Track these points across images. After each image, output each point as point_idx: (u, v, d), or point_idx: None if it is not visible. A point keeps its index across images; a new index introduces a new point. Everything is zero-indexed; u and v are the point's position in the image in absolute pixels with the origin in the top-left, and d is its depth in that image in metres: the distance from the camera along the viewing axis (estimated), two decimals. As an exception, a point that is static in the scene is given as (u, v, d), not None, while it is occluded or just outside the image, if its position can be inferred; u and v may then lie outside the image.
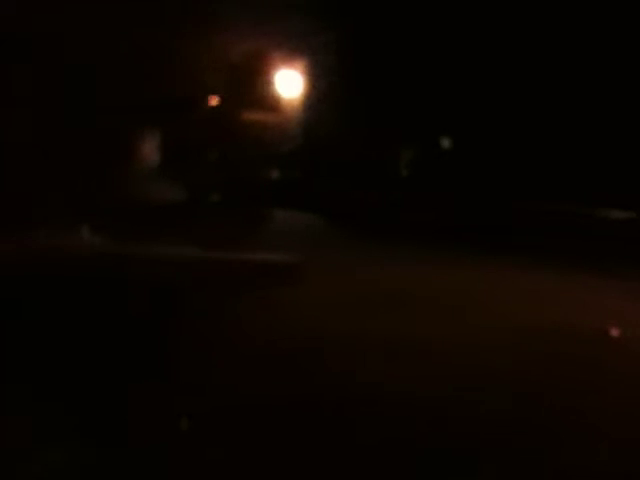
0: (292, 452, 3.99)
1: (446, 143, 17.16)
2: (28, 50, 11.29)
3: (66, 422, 4.09)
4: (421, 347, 6.32)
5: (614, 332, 7.12)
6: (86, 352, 5.42)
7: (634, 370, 6.02)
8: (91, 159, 12.13)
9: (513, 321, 7.36)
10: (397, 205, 16.38)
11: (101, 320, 6.21)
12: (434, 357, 6.05)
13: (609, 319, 7.68)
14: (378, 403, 4.91)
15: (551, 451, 4.39)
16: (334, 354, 5.98)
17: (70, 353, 5.39)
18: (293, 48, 16.00)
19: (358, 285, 9.00)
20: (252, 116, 15.77)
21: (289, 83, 16.55)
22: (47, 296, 6.83)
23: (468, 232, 14.08)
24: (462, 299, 8.40)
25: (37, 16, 11.24)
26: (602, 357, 6.35)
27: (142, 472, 3.68)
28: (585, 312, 7.97)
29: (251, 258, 9.40)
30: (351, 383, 5.20)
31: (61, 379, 4.85)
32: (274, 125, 16.41)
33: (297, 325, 6.73)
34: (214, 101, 14.81)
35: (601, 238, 13.12)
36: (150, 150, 14.47)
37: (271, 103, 15.83)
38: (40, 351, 5.37)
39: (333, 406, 4.76)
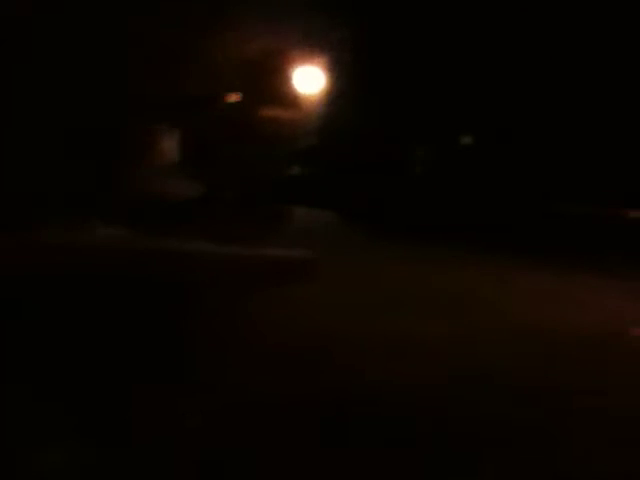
0: (301, 449, 4.04)
1: (461, 141, 17.16)
2: (51, 47, 11.41)
3: (76, 421, 4.17)
4: (428, 346, 6.38)
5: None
6: (101, 347, 5.49)
7: (635, 369, 6.04)
8: (109, 156, 12.24)
9: (515, 321, 7.40)
10: (411, 204, 16.41)
11: (117, 315, 6.28)
12: (440, 356, 6.10)
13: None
14: (385, 401, 4.96)
15: (551, 450, 4.43)
16: (344, 352, 6.03)
17: (85, 349, 5.45)
18: (311, 46, 16.04)
19: (370, 283, 9.06)
20: (269, 113, 15.83)
21: (306, 80, 16.59)
22: (62, 292, 6.91)
23: (475, 232, 14.11)
24: (468, 298, 8.45)
25: (59, 15, 11.35)
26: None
27: (152, 471, 3.73)
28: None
29: (266, 255, 9.44)
30: (359, 381, 5.24)
31: (72, 377, 4.92)
32: (291, 122, 16.46)
33: (309, 322, 6.78)
34: (232, 98, 14.88)
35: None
36: (168, 147, 14.58)
37: (288, 100, 15.89)
38: (55, 348, 5.44)
39: (340, 403, 4.81)
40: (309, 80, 16.37)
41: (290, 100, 15.93)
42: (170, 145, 14.60)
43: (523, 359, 6.14)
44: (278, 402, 4.70)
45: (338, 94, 17.00)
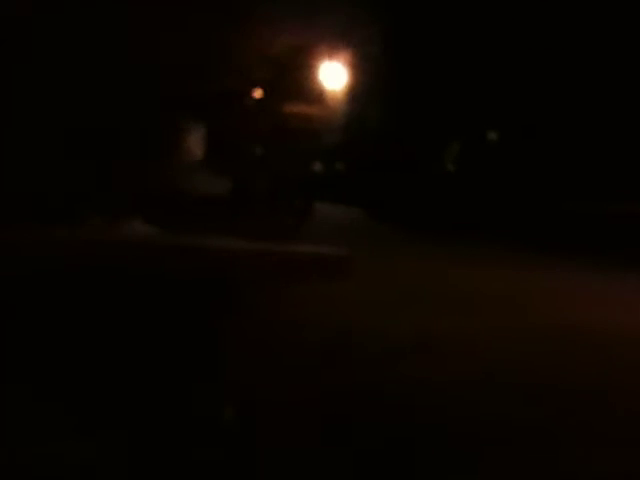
0: (330, 444, 4.04)
1: (491, 138, 17.10)
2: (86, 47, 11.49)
3: (110, 418, 4.19)
4: (463, 344, 6.35)
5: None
6: (134, 343, 5.52)
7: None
8: (141, 152, 12.30)
9: (552, 320, 7.34)
10: (440, 201, 16.40)
11: (147, 311, 6.32)
12: (475, 354, 6.06)
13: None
14: (413, 397, 4.96)
15: (592, 450, 4.40)
16: (373, 348, 6.03)
17: (118, 343, 5.49)
18: (337, 42, 16.05)
19: (403, 280, 9.03)
20: (295, 109, 15.86)
21: (332, 77, 16.62)
22: (97, 287, 6.96)
23: (506, 229, 14.07)
24: (500, 297, 8.40)
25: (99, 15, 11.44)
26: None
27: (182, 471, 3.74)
28: (627, 312, 7.91)
29: (297, 251, 9.45)
30: (391, 379, 5.24)
31: (106, 369, 4.94)
32: (317, 118, 16.48)
33: (341, 319, 6.78)
34: (260, 94, 14.91)
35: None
36: (195, 143, 14.64)
37: (314, 97, 15.91)
38: (89, 340, 5.48)
39: (371, 400, 4.81)
40: (335, 76, 16.39)
41: (316, 96, 15.95)
42: (197, 142, 14.66)
43: (566, 359, 6.10)
44: (313, 397, 4.70)
45: (364, 90, 17.05)
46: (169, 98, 12.84)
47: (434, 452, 4.07)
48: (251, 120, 14.71)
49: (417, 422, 4.45)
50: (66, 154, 11.04)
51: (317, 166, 16.57)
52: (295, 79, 15.69)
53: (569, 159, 16.02)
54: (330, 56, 16.19)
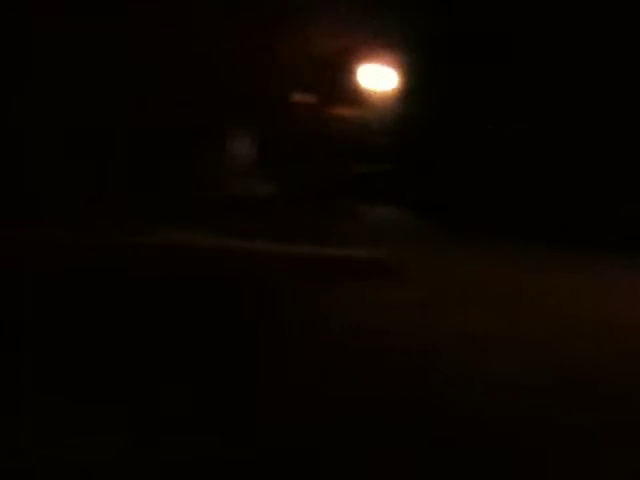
0: (374, 444, 4.00)
1: (535, 138, 16.86)
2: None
3: (161, 418, 4.22)
4: (496, 344, 6.29)
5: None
6: (174, 345, 5.54)
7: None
8: (187, 155, 12.39)
9: (596, 320, 7.24)
10: (485, 201, 16.22)
11: (186, 314, 6.34)
12: (528, 357, 5.98)
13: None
14: (466, 400, 4.91)
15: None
16: (409, 350, 5.99)
17: (160, 346, 5.51)
18: (384, 42, 15.99)
19: (441, 281, 8.97)
20: (341, 111, 15.84)
21: (378, 77, 16.56)
22: (139, 290, 7.01)
23: (554, 230, 13.87)
24: (542, 296, 8.30)
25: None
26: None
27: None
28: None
29: (338, 253, 9.46)
30: (438, 381, 5.19)
31: (148, 370, 4.97)
32: (363, 119, 16.44)
33: (378, 321, 6.75)
34: (303, 97, 14.92)
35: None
36: (244, 146, 14.69)
37: (360, 98, 15.88)
38: (132, 345, 5.50)
39: (407, 403, 4.77)
40: (381, 78, 16.34)
41: (362, 98, 15.92)
42: (243, 145, 14.72)
43: (604, 358, 6.02)
44: (351, 401, 4.68)
45: (411, 91, 16.92)
46: (217, 101, 12.92)
47: (477, 452, 4.04)
48: (297, 123, 14.73)
49: (458, 421, 4.42)
50: (113, 156, 11.17)
51: (362, 167, 16.52)
52: (341, 81, 15.67)
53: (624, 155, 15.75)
54: (377, 57, 16.14)
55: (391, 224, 14.88)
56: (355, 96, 15.99)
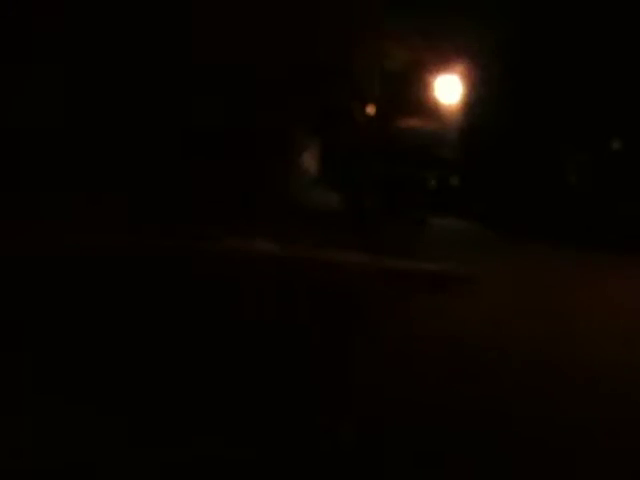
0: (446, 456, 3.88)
1: (615, 147, 16.39)
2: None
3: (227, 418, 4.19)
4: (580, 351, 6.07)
5: None
6: (264, 353, 5.52)
7: None
8: (260, 169, 12.51)
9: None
10: (565, 213, 15.87)
11: (265, 322, 6.33)
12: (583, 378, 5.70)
13: None
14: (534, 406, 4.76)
15: None
16: (489, 358, 5.84)
17: (241, 352, 5.50)
18: (453, 54, 15.86)
19: (519, 296, 8.77)
20: (411, 124, 15.76)
21: (449, 90, 16.42)
22: (222, 298, 7.05)
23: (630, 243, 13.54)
24: (616, 312, 8.03)
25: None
26: None
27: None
28: None
29: (419, 268, 9.38)
30: (512, 396, 5.02)
31: (228, 373, 4.95)
32: (434, 132, 16.31)
33: (459, 334, 6.61)
34: (374, 110, 14.88)
35: None
36: (310, 157, 14.72)
37: (428, 110, 15.77)
38: (212, 349, 5.50)
39: (491, 409, 4.62)
40: (450, 90, 16.19)
41: (430, 110, 15.81)
42: (313, 157, 14.76)
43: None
44: (437, 412, 4.57)
45: (481, 103, 16.76)
46: (287, 114, 12.99)
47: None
48: (365, 135, 14.70)
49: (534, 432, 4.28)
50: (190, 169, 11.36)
51: (432, 180, 16.38)
52: (410, 94, 15.60)
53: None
54: (445, 69, 16.02)
55: (461, 235, 14.67)
56: (425, 108, 15.89)
